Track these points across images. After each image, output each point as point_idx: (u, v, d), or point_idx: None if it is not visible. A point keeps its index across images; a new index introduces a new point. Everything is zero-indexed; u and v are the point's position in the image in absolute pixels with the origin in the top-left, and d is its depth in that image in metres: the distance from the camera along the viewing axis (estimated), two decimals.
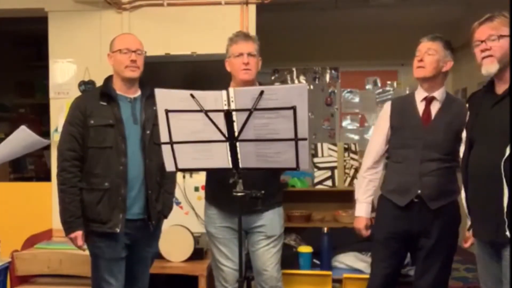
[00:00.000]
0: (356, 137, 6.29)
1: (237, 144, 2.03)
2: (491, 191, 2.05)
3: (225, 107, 1.98)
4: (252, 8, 3.82)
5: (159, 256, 3.30)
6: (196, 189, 3.77)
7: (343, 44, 5.94)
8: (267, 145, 2.02)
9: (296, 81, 6.33)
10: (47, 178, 4.04)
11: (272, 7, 3.94)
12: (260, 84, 2.70)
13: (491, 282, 2.18)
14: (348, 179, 4.36)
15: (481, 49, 2.11)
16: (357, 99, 6.36)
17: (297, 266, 3.50)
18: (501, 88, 2.13)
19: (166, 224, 2.89)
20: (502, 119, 2.01)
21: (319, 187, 4.38)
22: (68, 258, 3.29)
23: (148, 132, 2.56)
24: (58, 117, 3.77)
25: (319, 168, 4.39)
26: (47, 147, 3.59)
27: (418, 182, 2.56)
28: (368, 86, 6.35)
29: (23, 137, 2.40)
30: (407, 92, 4.39)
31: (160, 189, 2.64)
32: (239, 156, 2.05)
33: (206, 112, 2.00)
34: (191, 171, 3.38)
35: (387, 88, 6.30)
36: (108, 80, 2.62)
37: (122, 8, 3.87)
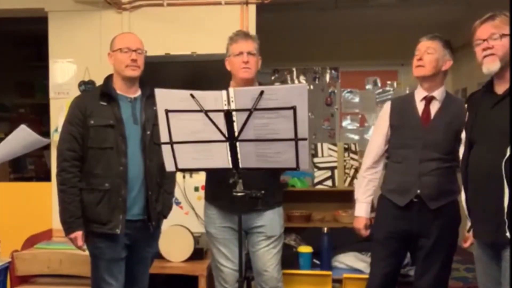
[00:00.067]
0: (356, 137, 6.29)
1: (237, 144, 2.03)
2: (491, 191, 2.04)
3: (225, 107, 1.98)
4: (252, 8, 3.82)
5: (159, 256, 3.30)
6: (196, 189, 3.77)
7: (343, 44, 5.94)
8: (267, 145, 2.02)
9: (296, 81, 6.33)
10: (47, 178, 4.04)
11: (272, 7, 3.94)
12: (260, 84, 2.70)
13: (490, 284, 2.17)
14: (348, 179, 4.36)
15: (483, 48, 2.10)
16: (357, 99, 6.36)
17: (297, 266, 3.50)
18: (501, 88, 2.12)
19: (166, 224, 2.89)
20: (502, 119, 2.00)
21: (319, 187, 4.38)
22: (68, 258, 3.29)
23: (148, 132, 2.55)
24: (58, 117, 3.76)
25: (319, 168, 4.39)
26: (47, 147, 3.60)
27: (418, 182, 2.55)
28: (368, 86, 6.34)
29: (23, 137, 2.40)
30: (407, 92, 4.39)
31: (160, 189, 2.63)
32: (239, 156, 2.05)
33: (206, 112, 2.00)
34: (191, 171, 3.38)
35: (387, 88, 6.30)
36: (108, 79, 2.61)
37: (122, 8, 3.86)
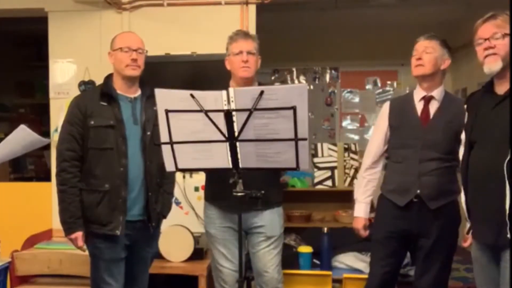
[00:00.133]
0: (356, 137, 6.29)
1: (237, 144, 2.03)
2: (492, 192, 2.02)
3: (225, 107, 1.98)
4: (252, 8, 3.82)
5: (159, 256, 3.30)
6: (196, 189, 3.77)
7: (343, 44, 5.93)
8: (267, 145, 2.02)
9: (296, 81, 6.33)
10: (47, 178, 4.04)
11: (272, 7, 3.94)
12: (260, 84, 2.70)
13: (488, 286, 2.15)
14: (348, 179, 4.36)
15: (485, 47, 2.07)
16: (357, 99, 6.35)
17: (297, 266, 3.50)
18: (501, 88, 2.09)
19: (166, 224, 2.89)
20: (504, 120, 1.97)
21: (319, 187, 4.38)
22: (68, 258, 3.29)
23: (148, 133, 2.54)
24: (58, 117, 3.76)
25: (319, 168, 4.39)
26: (47, 147, 3.60)
27: (417, 182, 2.55)
28: (368, 86, 6.34)
29: (22, 136, 2.39)
30: (407, 92, 4.39)
31: (159, 190, 2.63)
32: (239, 156, 2.05)
33: (206, 112, 2.00)
34: (191, 171, 3.38)
35: (387, 88, 6.30)
36: (108, 78, 2.60)
37: (122, 8, 3.86)
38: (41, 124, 5.33)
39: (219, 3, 3.82)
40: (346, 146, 4.41)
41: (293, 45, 5.86)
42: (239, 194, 2.06)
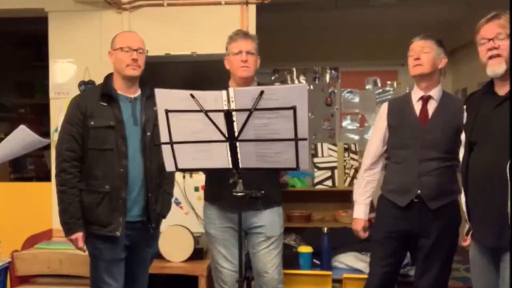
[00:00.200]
0: (356, 137, 6.28)
1: (237, 144, 2.03)
2: (493, 194, 1.99)
3: (225, 107, 1.98)
4: (252, 8, 3.82)
5: (159, 256, 3.30)
6: (196, 189, 3.77)
7: (343, 44, 5.93)
8: (267, 145, 2.02)
9: (296, 81, 6.33)
10: (47, 178, 4.04)
11: (272, 7, 3.94)
12: (259, 84, 2.70)
13: None
14: (348, 179, 4.36)
15: (488, 48, 2.03)
16: (357, 99, 6.35)
17: (297, 266, 3.51)
18: (502, 89, 2.06)
19: (166, 224, 2.89)
20: (505, 121, 1.93)
21: (319, 187, 4.38)
22: (68, 258, 3.29)
23: (148, 133, 2.54)
24: (58, 117, 3.75)
25: (319, 168, 4.39)
26: (47, 147, 3.59)
27: (418, 182, 2.55)
28: (368, 86, 6.34)
29: (22, 137, 2.39)
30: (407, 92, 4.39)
31: (159, 190, 2.63)
32: (239, 156, 2.05)
33: (206, 112, 2.00)
34: (191, 171, 3.38)
35: (387, 88, 6.29)
36: (108, 78, 2.59)
37: (122, 8, 3.86)
38: (41, 124, 5.33)
39: (219, 3, 3.82)
40: (346, 146, 4.41)
41: (293, 45, 5.86)
42: (239, 194, 2.06)
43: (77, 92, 3.74)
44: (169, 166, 2.13)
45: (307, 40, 5.86)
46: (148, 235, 2.62)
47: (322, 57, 6.09)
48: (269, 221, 2.69)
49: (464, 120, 2.25)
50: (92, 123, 2.47)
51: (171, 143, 2.07)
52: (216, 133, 2.01)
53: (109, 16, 3.87)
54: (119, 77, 2.55)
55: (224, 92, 1.98)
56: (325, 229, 3.57)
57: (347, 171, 4.37)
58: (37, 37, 5.25)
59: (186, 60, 3.74)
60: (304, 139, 1.96)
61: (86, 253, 2.58)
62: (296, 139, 1.96)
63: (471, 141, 2.14)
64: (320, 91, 6.30)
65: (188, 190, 3.79)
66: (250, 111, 1.96)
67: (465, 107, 2.28)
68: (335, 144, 4.47)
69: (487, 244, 2.08)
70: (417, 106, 2.63)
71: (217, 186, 2.63)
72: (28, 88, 6.04)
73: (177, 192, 3.04)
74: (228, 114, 1.99)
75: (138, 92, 2.60)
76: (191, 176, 3.77)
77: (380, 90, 6.31)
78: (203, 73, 3.56)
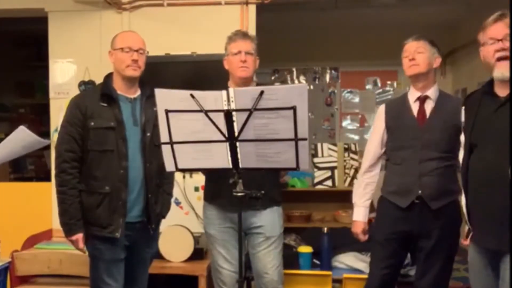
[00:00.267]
0: (356, 137, 6.28)
1: (237, 144, 2.03)
2: (495, 196, 1.96)
3: (225, 107, 1.98)
4: (252, 8, 3.82)
5: (159, 256, 3.30)
6: (196, 189, 3.77)
7: (343, 44, 5.93)
8: (267, 145, 2.02)
9: (296, 81, 6.33)
10: (47, 178, 4.04)
11: (272, 7, 3.94)
12: (258, 84, 2.70)
13: None
14: (348, 179, 4.36)
15: (497, 49, 1.97)
16: (357, 99, 6.35)
17: (297, 266, 3.51)
18: (503, 90, 2.01)
19: (166, 224, 2.89)
20: (507, 123, 1.89)
21: (319, 187, 4.38)
22: (68, 258, 3.29)
23: (148, 134, 2.53)
24: (58, 117, 3.75)
25: (319, 168, 4.39)
26: (47, 147, 3.58)
27: (418, 183, 2.55)
28: (368, 86, 6.33)
29: (22, 137, 2.38)
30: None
31: (159, 190, 2.62)
32: (239, 156, 2.05)
33: (206, 112, 1.99)
34: (191, 171, 3.38)
35: (387, 88, 6.29)
36: (108, 78, 2.58)
37: (122, 8, 3.86)
38: (41, 124, 5.33)
39: (219, 3, 3.82)
40: (346, 146, 4.41)
41: (293, 45, 5.86)
42: (239, 194, 2.06)
43: (77, 92, 3.74)
44: (169, 166, 2.13)
45: (307, 40, 5.86)
46: (148, 235, 2.62)
47: (322, 57, 6.08)
48: (269, 221, 2.68)
49: (462, 119, 2.23)
50: (92, 123, 2.46)
51: (171, 143, 2.07)
52: (216, 133, 2.01)
53: (109, 16, 3.87)
54: (119, 77, 2.54)
55: (224, 92, 1.98)
56: (325, 229, 3.57)
57: (347, 171, 4.37)
58: (37, 37, 5.25)
59: (186, 60, 3.75)
60: (304, 139, 1.96)
61: (86, 254, 2.58)
62: (296, 139, 1.96)
63: (471, 143, 2.11)
64: (320, 91, 6.30)
65: (188, 190, 3.79)
66: (250, 111, 1.96)
67: (463, 107, 2.25)
68: (335, 144, 4.47)
69: (488, 246, 2.05)
70: (415, 107, 2.64)
71: (217, 186, 2.63)
72: (28, 88, 6.04)
73: (177, 192, 3.04)
74: (228, 114, 1.99)
75: (138, 92, 2.60)
76: (191, 176, 3.77)
77: (380, 90, 6.31)
78: (203, 73, 3.56)
